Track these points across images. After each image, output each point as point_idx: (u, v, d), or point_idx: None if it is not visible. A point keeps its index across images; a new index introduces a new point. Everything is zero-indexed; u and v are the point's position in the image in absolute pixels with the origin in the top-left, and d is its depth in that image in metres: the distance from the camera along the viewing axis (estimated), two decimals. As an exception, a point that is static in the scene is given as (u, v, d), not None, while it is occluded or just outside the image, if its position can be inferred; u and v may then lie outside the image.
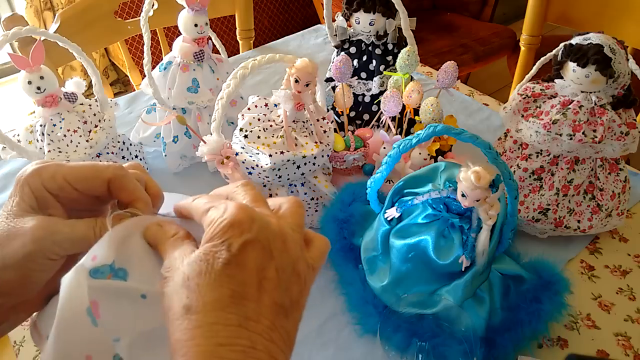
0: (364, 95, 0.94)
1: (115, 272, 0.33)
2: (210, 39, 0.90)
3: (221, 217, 0.31)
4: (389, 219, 0.63)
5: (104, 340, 0.31)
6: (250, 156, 0.70)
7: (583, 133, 0.70)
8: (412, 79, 0.86)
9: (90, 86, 0.80)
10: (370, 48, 0.92)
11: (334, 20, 0.93)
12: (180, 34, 0.86)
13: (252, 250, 0.31)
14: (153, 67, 0.83)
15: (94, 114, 0.79)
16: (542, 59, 0.77)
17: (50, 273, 0.35)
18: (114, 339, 0.32)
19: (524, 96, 0.76)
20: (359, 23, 0.90)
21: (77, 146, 0.75)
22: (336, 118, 0.95)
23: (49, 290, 0.36)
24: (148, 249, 0.35)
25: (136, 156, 0.87)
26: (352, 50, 0.93)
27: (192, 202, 0.36)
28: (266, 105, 0.73)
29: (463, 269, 0.59)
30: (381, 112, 0.86)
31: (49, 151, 0.74)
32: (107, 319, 0.32)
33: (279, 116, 0.72)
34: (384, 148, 0.82)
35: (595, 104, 0.71)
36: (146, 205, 0.37)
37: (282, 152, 0.68)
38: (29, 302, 0.36)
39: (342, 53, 0.89)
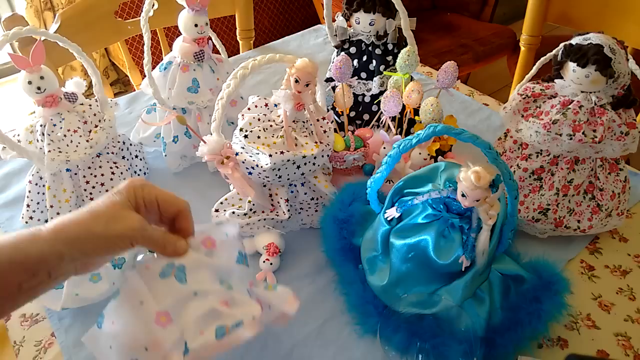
0: (364, 95, 0.94)
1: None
2: (210, 39, 0.90)
3: None
4: (389, 219, 0.63)
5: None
6: (250, 156, 0.70)
7: (583, 133, 0.70)
8: (412, 79, 0.86)
9: (90, 86, 0.80)
10: (370, 48, 0.92)
11: (334, 20, 0.93)
12: (180, 34, 0.86)
13: None
14: (153, 67, 0.83)
15: (94, 114, 0.79)
16: (542, 59, 0.77)
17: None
18: None
19: (524, 96, 0.76)
20: (359, 23, 0.90)
21: (77, 146, 0.75)
22: (336, 118, 0.95)
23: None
24: None
25: (136, 156, 0.88)
26: (352, 50, 0.93)
27: None
28: (266, 105, 0.73)
29: (463, 269, 0.59)
30: (381, 112, 0.86)
31: (49, 151, 0.74)
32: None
33: (279, 116, 0.72)
34: (384, 148, 0.82)
35: (595, 104, 0.71)
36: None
37: (282, 152, 0.68)
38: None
39: (342, 53, 0.89)
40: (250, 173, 0.71)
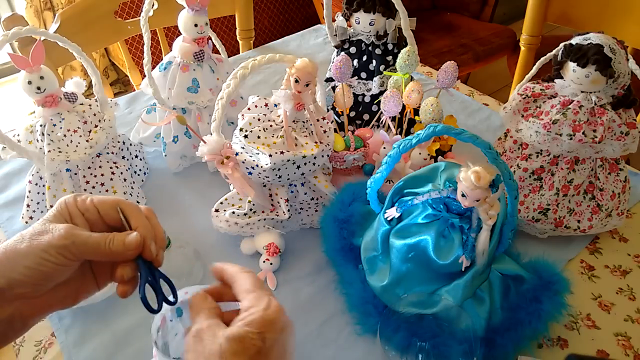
0: (364, 95, 0.94)
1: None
2: (210, 39, 0.90)
3: (265, 310, 0.40)
4: (389, 219, 0.63)
5: None
6: (250, 156, 0.70)
7: (583, 133, 0.70)
8: (412, 79, 0.86)
9: (90, 86, 0.80)
10: (370, 48, 0.92)
11: (334, 20, 0.93)
12: (180, 34, 0.86)
13: (277, 347, 0.40)
14: (153, 67, 0.83)
15: (94, 114, 0.79)
16: (542, 59, 0.77)
17: (61, 273, 0.42)
18: None
19: (524, 96, 0.76)
20: (359, 23, 0.90)
21: (77, 146, 0.75)
22: (336, 118, 0.95)
23: (59, 299, 0.44)
24: None
25: (136, 156, 0.88)
26: (352, 50, 0.93)
27: (236, 274, 0.45)
28: (266, 105, 0.73)
29: (463, 269, 0.59)
30: (381, 112, 0.86)
31: (49, 151, 0.74)
32: None
33: (279, 116, 0.72)
34: (384, 148, 0.82)
35: (595, 104, 0.71)
36: (147, 231, 0.45)
37: (282, 152, 0.68)
38: (37, 303, 0.43)
39: (342, 53, 0.89)
40: (250, 173, 0.71)
